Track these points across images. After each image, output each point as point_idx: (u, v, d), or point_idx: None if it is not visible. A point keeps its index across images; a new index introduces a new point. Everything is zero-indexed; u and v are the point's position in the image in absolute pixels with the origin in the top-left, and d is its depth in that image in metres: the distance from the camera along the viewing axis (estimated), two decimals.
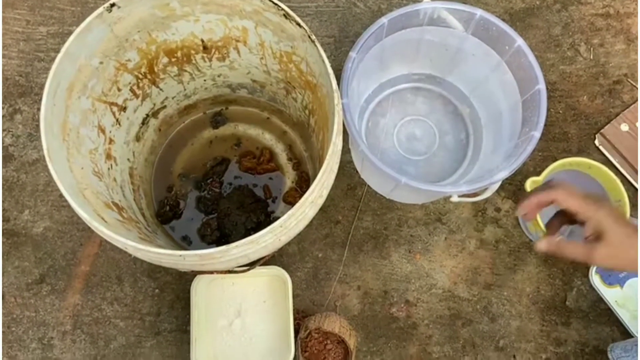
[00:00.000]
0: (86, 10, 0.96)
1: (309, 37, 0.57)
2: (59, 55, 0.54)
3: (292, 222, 0.55)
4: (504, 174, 0.66)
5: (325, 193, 0.60)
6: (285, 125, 0.90)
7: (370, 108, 0.89)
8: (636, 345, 0.78)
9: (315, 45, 0.57)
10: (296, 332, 0.81)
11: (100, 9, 0.55)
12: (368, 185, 0.89)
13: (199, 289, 0.81)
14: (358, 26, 0.97)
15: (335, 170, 0.60)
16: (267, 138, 0.90)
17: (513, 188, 0.90)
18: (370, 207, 0.89)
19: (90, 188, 0.60)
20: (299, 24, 0.58)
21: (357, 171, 0.90)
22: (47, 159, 0.51)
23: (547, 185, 0.56)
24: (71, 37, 0.54)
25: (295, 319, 0.81)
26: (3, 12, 0.95)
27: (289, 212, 0.54)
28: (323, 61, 0.57)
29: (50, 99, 0.53)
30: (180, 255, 0.51)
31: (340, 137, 0.58)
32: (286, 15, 0.59)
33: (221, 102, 0.89)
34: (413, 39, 0.78)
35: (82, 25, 0.55)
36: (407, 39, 0.77)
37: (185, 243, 0.84)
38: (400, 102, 0.90)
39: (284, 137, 0.90)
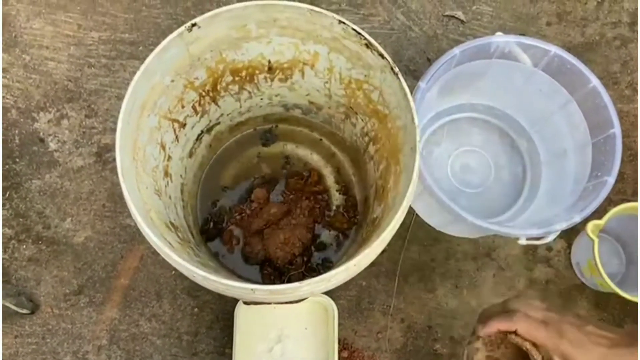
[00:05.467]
0: (139, 18, 0.94)
1: (392, 69, 0.55)
2: (138, 74, 0.52)
3: (365, 261, 0.53)
4: (578, 218, 0.64)
5: (395, 230, 0.58)
6: (334, 146, 0.88)
7: (425, 136, 0.87)
8: None
9: (398, 78, 0.55)
10: None
11: (182, 29, 0.54)
12: (416, 214, 0.87)
13: (241, 313, 0.78)
14: (412, 50, 0.95)
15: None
16: (315, 159, 0.88)
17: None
18: (417, 237, 0.87)
19: (154, 209, 0.58)
20: (381, 55, 0.56)
21: None
22: (121, 180, 0.49)
23: (506, 311, 0.51)
24: (151, 56, 0.53)
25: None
26: (54, 14, 0.94)
27: (365, 252, 0.52)
28: (405, 95, 0.55)
29: (126, 116, 0.51)
30: (252, 290, 0.49)
31: (418, 176, 0.55)
32: (368, 45, 0.57)
33: (272, 120, 0.87)
34: (479, 71, 0.76)
35: (162, 44, 0.53)
36: (474, 71, 0.76)
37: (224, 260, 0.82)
38: (456, 132, 0.88)
39: (332, 159, 0.88)
